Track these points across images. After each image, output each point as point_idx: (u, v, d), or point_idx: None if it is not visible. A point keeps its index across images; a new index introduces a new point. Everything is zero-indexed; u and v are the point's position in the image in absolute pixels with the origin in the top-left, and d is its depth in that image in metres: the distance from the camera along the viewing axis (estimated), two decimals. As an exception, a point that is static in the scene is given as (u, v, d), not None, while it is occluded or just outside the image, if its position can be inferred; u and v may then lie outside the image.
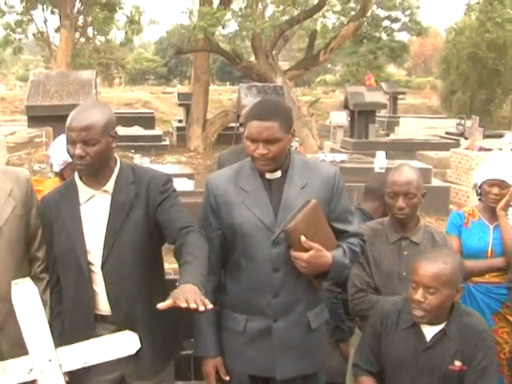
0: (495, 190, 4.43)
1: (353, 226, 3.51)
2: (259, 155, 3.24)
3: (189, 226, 3.26)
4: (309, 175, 3.40)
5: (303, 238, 3.19)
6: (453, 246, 4.17)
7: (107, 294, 3.32)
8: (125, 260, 3.31)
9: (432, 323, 3.35)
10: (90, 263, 3.31)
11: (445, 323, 3.35)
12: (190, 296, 2.72)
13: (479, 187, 4.59)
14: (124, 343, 3.15)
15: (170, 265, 5.42)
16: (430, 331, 3.37)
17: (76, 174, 3.42)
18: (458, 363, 3.30)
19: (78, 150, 3.17)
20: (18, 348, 3.15)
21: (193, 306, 2.68)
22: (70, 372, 3.07)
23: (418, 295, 3.27)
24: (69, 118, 3.22)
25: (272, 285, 3.34)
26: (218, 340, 3.47)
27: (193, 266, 3.02)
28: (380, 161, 7.47)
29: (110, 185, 3.36)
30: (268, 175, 3.36)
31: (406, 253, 3.90)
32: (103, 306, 3.35)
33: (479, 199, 4.66)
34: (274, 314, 3.36)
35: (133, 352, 3.17)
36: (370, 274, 3.94)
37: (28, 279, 3.08)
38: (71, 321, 3.40)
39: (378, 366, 3.56)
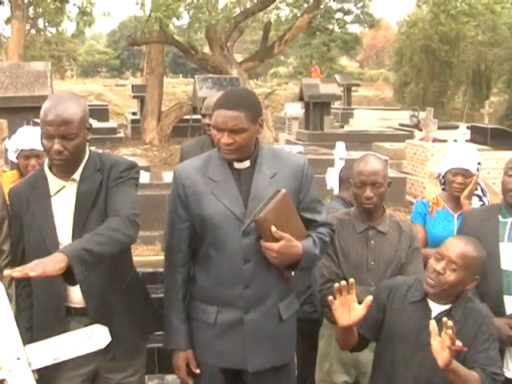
0: (459, 179, 4.46)
1: (322, 216, 3.49)
2: (224, 144, 3.20)
3: (121, 213, 3.12)
4: (278, 165, 3.37)
5: (274, 228, 3.15)
6: (419, 235, 4.17)
7: (80, 285, 3.19)
8: None
9: (439, 301, 3.33)
10: None
11: (451, 304, 3.33)
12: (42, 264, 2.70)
13: (443, 176, 4.63)
14: (94, 337, 3.10)
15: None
16: (436, 308, 3.33)
17: (45, 165, 3.33)
18: (458, 343, 3.28)
19: (57, 146, 3.10)
20: None
21: (16, 274, 2.67)
22: (41, 368, 3.01)
23: (440, 266, 3.21)
24: (43, 111, 3.12)
25: (243, 276, 3.30)
26: (188, 332, 3.42)
27: (81, 240, 2.93)
28: (340, 151, 7.49)
29: (78, 173, 3.28)
30: (236, 165, 3.32)
31: (373, 242, 3.90)
32: (76, 299, 3.28)
33: (443, 188, 4.70)
34: (246, 306, 3.32)
35: (103, 346, 3.12)
36: (338, 264, 3.92)
37: None
38: (43, 316, 3.31)
39: (371, 332, 3.50)
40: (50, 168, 3.32)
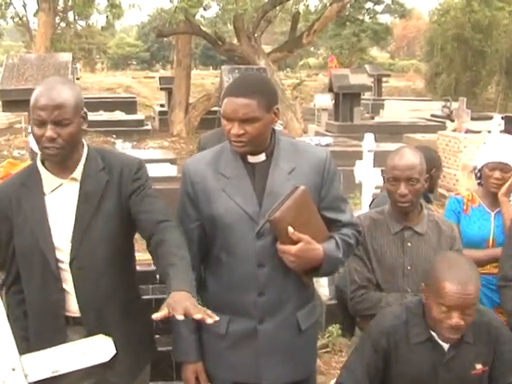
0: (497, 173, 4.11)
1: (346, 215, 3.15)
2: (233, 135, 2.89)
3: (166, 220, 2.95)
4: (297, 159, 3.04)
5: (291, 229, 2.85)
6: (459, 236, 3.82)
7: (76, 294, 2.99)
8: (96, 256, 2.97)
9: None
10: (58, 260, 2.96)
11: None
12: (188, 306, 2.49)
13: (479, 170, 4.28)
14: (98, 349, 2.81)
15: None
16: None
17: (38, 160, 3.04)
18: (479, 366, 3.03)
19: (50, 132, 2.79)
20: None
21: (197, 316, 2.46)
22: (39, 381, 2.72)
23: (456, 319, 2.93)
24: (34, 96, 2.83)
25: (257, 282, 2.99)
26: (198, 343, 3.13)
27: (181, 269, 2.74)
28: (368, 143, 7.19)
29: (77, 172, 2.99)
30: (251, 159, 3.01)
31: (409, 244, 3.55)
32: (75, 308, 3.02)
33: (479, 183, 4.35)
34: (260, 315, 3.02)
35: (107, 359, 2.82)
36: (371, 269, 3.58)
37: None
38: (38, 325, 3.04)
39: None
40: (43, 164, 3.03)
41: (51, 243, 2.95)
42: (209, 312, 2.52)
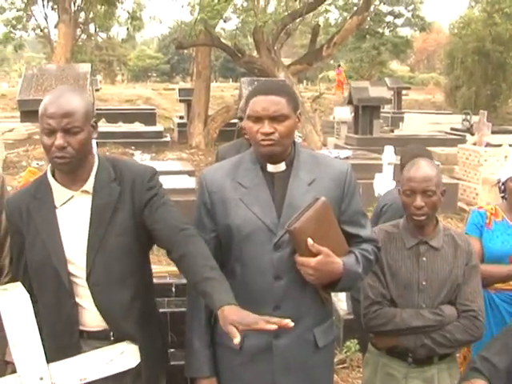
0: (522, 187, 4.02)
1: (366, 231, 3.07)
2: (264, 134, 2.82)
3: (185, 229, 2.88)
4: (317, 170, 2.98)
5: (310, 241, 2.77)
6: (476, 251, 3.73)
7: (97, 306, 2.92)
8: (112, 269, 2.91)
9: None
10: (71, 274, 2.90)
11: None
12: (257, 318, 2.52)
13: (503, 184, 4.18)
14: (124, 355, 2.81)
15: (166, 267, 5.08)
16: None
17: (48, 172, 2.98)
18: None
19: (59, 140, 2.74)
20: None
21: (272, 327, 2.49)
22: None
23: None
24: (43, 104, 2.79)
25: (273, 295, 2.91)
26: (212, 358, 3.05)
27: (218, 281, 2.70)
28: (388, 156, 7.13)
29: (89, 184, 2.93)
30: (271, 168, 2.94)
31: (424, 259, 3.47)
32: (89, 322, 2.95)
33: (502, 197, 4.25)
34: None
35: (134, 365, 2.83)
36: (386, 284, 3.50)
37: (19, 284, 2.64)
38: (52, 341, 2.92)
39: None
40: (53, 175, 2.97)
41: (63, 257, 2.89)
42: (275, 319, 2.52)
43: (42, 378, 2.57)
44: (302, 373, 2.98)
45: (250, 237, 2.90)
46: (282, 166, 2.95)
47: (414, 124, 25.62)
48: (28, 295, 2.56)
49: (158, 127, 24.63)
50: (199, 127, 22.79)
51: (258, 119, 2.82)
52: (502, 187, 4.20)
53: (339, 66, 41.69)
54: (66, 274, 2.88)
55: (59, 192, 2.93)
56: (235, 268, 2.98)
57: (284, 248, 2.89)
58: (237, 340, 2.47)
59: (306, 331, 2.99)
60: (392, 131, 24.85)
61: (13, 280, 3.02)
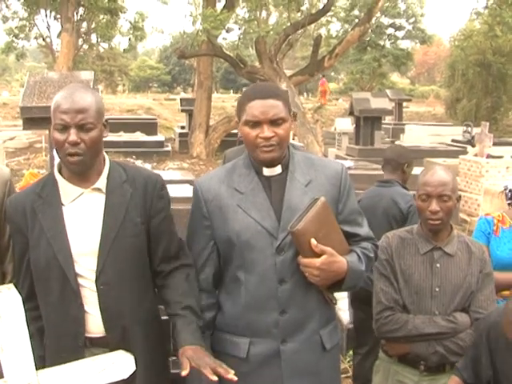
0: (529, 194, 4.00)
1: (364, 229, 3.06)
2: (264, 139, 2.78)
3: (176, 259, 2.99)
4: (312, 171, 2.95)
5: (314, 242, 2.74)
6: (490, 259, 3.70)
7: (101, 311, 2.86)
8: (123, 271, 2.87)
9: None
10: (77, 275, 2.83)
11: None
12: (210, 363, 2.67)
13: (510, 191, 4.17)
14: (117, 365, 2.69)
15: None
16: None
17: (55, 170, 2.93)
18: None
19: (73, 136, 2.70)
20: None
21: (214, 378, 2.61)
22: None
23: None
24: (56, 102, 2.75)
25: (278, 300, 2.87)
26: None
27: (187, 321, 2.87)
28: (392, 165, 7.07)
29: (101, 182, 2.88)
30: (266, 171, 2.91)
31: (438, 265, 3.45)
32: (93, 327, 2.89)
33: (509, 204, 4.24)
34: (282, 334, 2.89)
35: (126, 376, 2.71)
36: (398, 290, 3.48)
37: (11, 286, 2.56)
38: (56, 344, 2.91)
39: (477, 380, 3.17)
40: (60, 173, 2.91)
41: (70, 256, 2.82)
42: (224, 366, 2.65)
43: None
44: (311, 376, 2.94)
45: (250, 242, 2.86)
46: (277, 169, 2.92)
47: (415, 136, 25.59)
48: (20, 298, 2.48)
49: (159, 137, 24.66)
50: (200, 137, 22.81)
51: (256, 124, 2.79)
52: (509, 194, 4.19)
53: (323, 76, 41.61)
54: (72, 274, 2.82)
55: (67, 189, 2.87)
56: (238, 275, 2.93)
57: (286, 251, 2.85)
58: (184, 372, 2.61)
59: (313, 334, 2.95)
60: (393, 142, 24.83)
61: (17, 283, 2.95)
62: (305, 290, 2.89)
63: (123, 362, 2.73)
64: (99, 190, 2.89)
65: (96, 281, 2.84)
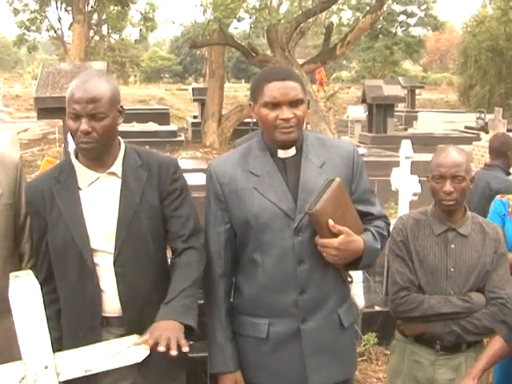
0: (543, 176, 4.03)
1: (376, 208, 3.09)
2: (284, 120, 2.79)
3: (188, 239, 2.99)
4: (326, 152, 2.97)
5: (331, 222, 2.76)
6: (504, 239, 3.70)
7: (119, 292, 2.90)
8: (139, 253, 2.91)
9: None
10: (94, 256, 2.88)
11: None
12: (163, 336, 2.59)
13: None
14: (132, 349, 2.72)
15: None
16: None
17: (72, 155, 2.97)
18: None
19: (84, 126, 2.73)
20: (6, 353, 2.80)
21: (161, 349, 2.56)
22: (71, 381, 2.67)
23: None
24: (70, 89, 2.79)
25: (297, 280, 2.89)
26: (235, 352, 3.01)
27: (176, 297, 2.84)
28: (406, 150, 7.07)
29: (116, 167, 2.92)
30: (281, 153, 2.92)
31: (453, 246, 3.46)
32: (109, 307, 2.92)
33: (524, 186, 4.27)
34: (302, 314, 2.92)
35: (140, 360, 2.73)
36: (413, 271, 3.49)
37: (29, 272, 2.61)
38: (73, 324, 2.96)
39: None
40: (76, 158, 2.96)
41: (87, 238, 2.87)
42: (181, 341, 2.60)
43: (46, 367, 2.53)
44: (331, 354, 2.98)
45: (268, 224, 2.88)
46: (292, 151, 2.93)
47: (428, 123, 25.57)
48: (38, 283, 2.53)
49: (172, 126, 24.70)
50: (213, 126, 22.85)
51: (275, 105, 2.80)
52: (525, 177, 4.21)
53: (322, 67, 41.51)
54: (89, 255, 2.87)
55: (84, 174, 2.92)
56: (255, 257, 2.95)
57: (304, 232, 2.88)
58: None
59: (332, 312, 2.98)
60: (406, 130, 24.82)
61: (35, 265, 3.04)
62: (323, 270, 2.92)
63: (138, 347, 2.77)
64: (115, 174, 2.93)
65: (114, 262, 2.88)
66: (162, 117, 25.56)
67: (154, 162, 3.00)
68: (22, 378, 2.51)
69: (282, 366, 2.96)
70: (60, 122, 20.30)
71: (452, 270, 3.43)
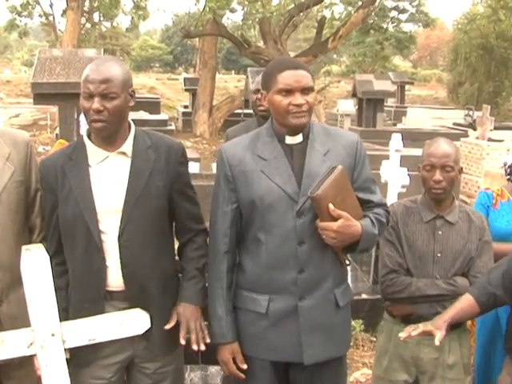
0: (526, 170, 4.20)
1: (377, 196, 3.25)
2: (297, 106, 2.98)
3: (194, 223, 3.29)
4: (330, 141, 3.15)
5: (331, 206, 2.92)
6: (489, 228, 3.89)
7: (122, 266, 3.05)
8: (143, 230, 3.07)
9: None
10: (101, 231, 3.04)
11: None
12: (191, 326, 3.12)
13: (509, 167, 4.36)
14: (134, 322, 2.93)
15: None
16: None
17: (84, 135, 3.15)
18: None
19: (96, 104, 2.91)
20: (19, 322, 2.95)
21: (194, 347, 3.09)
22: (78, 356, 2.89)
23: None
24: (85, 72, 2.97)
25: (297, 259, 3.06)
26: (234, 324, 3.19)
27: (196, 281, 3.22)
28: (396, 143, 7.23)
29: (126, 147, 3.09)
30: (288, 140, 3.10)
31: (440, 232, 3.65)
32: (113, 281, 3.08)
33: (508, 179, 4.43)
34: (300, 292, 3.08)
35: (141, 332, 2.96)
36: (403, 255, 3.68)
37: (40, 245, 2.80)
38: (79, 294, 3.11)
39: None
40: (89, 137, 3.13)
41: (95, 214, 3.03)
42: (205, 337, 3.14)
43: (53, 335, 2.71)
44: (326, 331, 3.15)
45: (272, 206, 3.05)
46: (299, 138, 3.10)
47: (417, 118, 25.81)
48: (48, 256, 2.72)
49: (163, 116, 24.72)
50: (204, 116, 22.95)
51: (289, 92, 2.98)
52: (508, 170, 4.38)
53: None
54: (96, 228, 3.02)
55: (94, 152, 3.08)
56: (259, 236, 3.11)
57: (306, 215, 3.04)
58: (167, 326, 3.11)
59: (328, 292, 3.14)
60: (395, 125, 24.97)
61: (45, 238, 3.21)
62: (322, 252, 3.08)
63: (140, 319, 2.95)
64: (124, 153, 3.09)
65: (118, 237, 3.04)
66: (153, 106, 25.55)
67: (163, 145, 3.16)
68: (31, 344, 2.69)
69: (279, 341, 3.13)
70: (52, 109, 20.41)
71: (439, 255, 3.61)
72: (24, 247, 2.77)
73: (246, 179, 3.10)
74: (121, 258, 3.05)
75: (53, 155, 3.29)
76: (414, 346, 3.68)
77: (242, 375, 3.17)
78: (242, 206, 3.14)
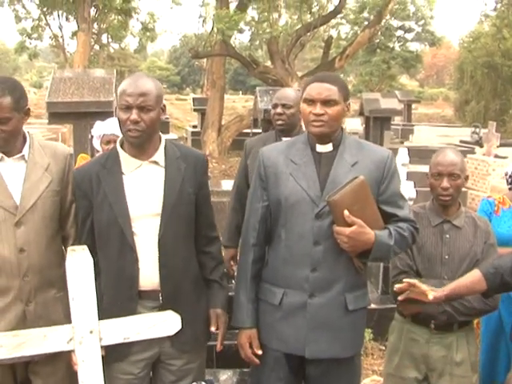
0: (527, 179, 4.41)
1: (403, 211, 3.41)
2: (315, 115, 3.24)
3: (207, 236, 3.57)
4: (360, 154, 3.37)
5: (346, 213, 3.13)
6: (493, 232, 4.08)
7: (160, 266, 3.30)
8: (178, 233, 3.34)
9: None
10: (134, 234, 3.28)
11: None
12: (221, 330, 3.51)
13: (510, 176, 4.58)
14: (167, 323, 3.05)
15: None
16: None
17: (118, 144, 3.39)
18: None
19: (134, 115, 3.16)
20: (43, 321, 3.20)
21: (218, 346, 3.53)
22: (109, 352, 3.04)
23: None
24: (123, 86, 3.22)
25: (311, 258, 3.29)
26: (254, 312, 3.46)
27: (222, 287, 3.59)
28: (402, 157, 7.42)
29: (159, 156, 3.34)
30: (319, 148, 3.36)
31: (448, 236, 3.89)
32: (144, 282, 3.31)
33: (510, 188, 4.65)
34: (311, 289, 3.31)
35: (173, 333, 3.09)
36: (412, 257, 3.91)
37: (85, 247, 2.92)
38: (113, 294, 3.33)
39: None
40: (121, 147, 3.38)
41: (128, 218, 3.26)
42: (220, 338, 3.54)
43: (91, 332, 2.85)
44: (332, 331, 3.35)
45: (295, 206, 3.31)
46: (329, 147, 3.37)
47: (424, 136, 25.84)
48: (91, 258, 2.85)
49: (172, 135, 24.81)
50: (213, 136, 23.06)
51: (311, 102, 3.26)
52: (510, 179, 4.60)
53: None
54: (129, 232, 3.26)
55: (127, 161, 3.33)
56: (281, 233, 3.38)
57: (324, 218, 3.27)
58: (213, 328, 3.49)
59: (338, 294, 3.34)
60: (402, 143, 25.02)
61: (77, 244, 3.38)
62: (336, 254, 3.30)
63: (172, 321, 3.08)
64: (156, 162, 3.34)
65: (159, 240, 3.29)
66: (162, 126, 25.12)
67: (191, 155, 3.46)
68: (70, 339, 2.83)
69: (288, 333, 3.37)
70: (63, 129, 20.59)
71: (446, 257, 3.85)
72: (69, 248, 2.92)
73: (276, 180, 3.38)
74: (159, 260, 3.30)
75: (87, 164, 3.55)
76: (423, 344, 3.90)
77: (257, 360, 3.44)
78: (271, 204, 3.42)
